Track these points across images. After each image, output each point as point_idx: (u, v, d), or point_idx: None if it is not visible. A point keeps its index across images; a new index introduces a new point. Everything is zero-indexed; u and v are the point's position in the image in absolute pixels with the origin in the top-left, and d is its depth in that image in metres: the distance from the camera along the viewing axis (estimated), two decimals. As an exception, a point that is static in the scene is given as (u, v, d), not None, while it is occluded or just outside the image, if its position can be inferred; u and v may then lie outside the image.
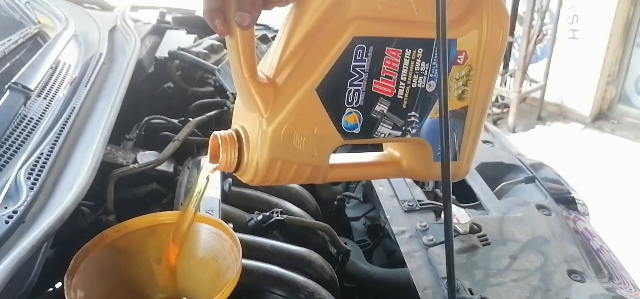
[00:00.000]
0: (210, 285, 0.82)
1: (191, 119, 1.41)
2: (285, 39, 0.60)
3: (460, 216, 1.03)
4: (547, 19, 4.38)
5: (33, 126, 0.99)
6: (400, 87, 0.63)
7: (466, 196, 1.22)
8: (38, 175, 0.83)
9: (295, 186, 1.30)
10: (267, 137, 0.60)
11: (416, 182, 1.26)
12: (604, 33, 4.37)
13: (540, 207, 1.14)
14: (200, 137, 1.37)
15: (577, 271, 0.95)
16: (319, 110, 0.61)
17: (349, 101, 0.62)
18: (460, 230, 1.00)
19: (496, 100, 4.80)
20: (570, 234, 1.07)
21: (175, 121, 1.46)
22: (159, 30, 2.04)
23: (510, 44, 4.61)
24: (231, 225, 0.86)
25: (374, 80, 0.62)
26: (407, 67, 0.62)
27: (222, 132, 0.64)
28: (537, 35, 4.33)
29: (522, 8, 4.36)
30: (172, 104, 1.72)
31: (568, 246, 1.03)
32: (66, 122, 1.00)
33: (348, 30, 0.58)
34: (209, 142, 0.65)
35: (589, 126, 4.71)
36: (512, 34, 4.61)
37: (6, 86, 0.98)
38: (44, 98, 1.10)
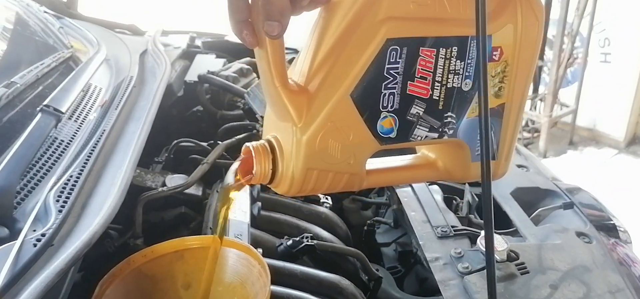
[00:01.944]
0: (238, 312, 0.80)
1: (220, 142, 1.40)
2: (315, 45, 0.58)
3: (497, 243, 0.98)
4: (578, 42, 4.30)
5: (63, 149, 0.99)
6: (435, 87, 0.61)
7: (502, 222, 1.18)
8: (67, 197, 0.82)
9: (325, 210, 1.28)
10: (302, 147, 0.58)
11: (449, 206, 1.23)
12: (637, 56, 4.27)
13: (580, 234, 1.10)
14: (229, 161, 1.36)
15: (622, 302, 0.91)
16: (353, 116, 0.58)
17: (384, 105, 0.59)
18: (497, 257, 0.96)
19: (526, 124, 4.72)
20: (613, 263, 1.02)
21: (204, 144, 1.46)
22: (189, 55, 2.05)
23: (540, 68, 4.54)
24: (260, 250, 0.84)
25: (409, 82, 0.59)
26: (442, 67, 0.60)
27: (255, 143, 0.61)
28: (568, 59, 4.25)
29: (552, 32, 4.29)
30: (201, 128, 1.72)
31: (611, 275, 0.98)
32: (96, 144, 1.00)
33: (381, 32, 0.56)
34: (241, 153, 0.62)
35: (623, 150, 4.58)
36: (542, 57, 4.54)
37: (38, 109, 0.99)
38: (75, 121, 1.10)
